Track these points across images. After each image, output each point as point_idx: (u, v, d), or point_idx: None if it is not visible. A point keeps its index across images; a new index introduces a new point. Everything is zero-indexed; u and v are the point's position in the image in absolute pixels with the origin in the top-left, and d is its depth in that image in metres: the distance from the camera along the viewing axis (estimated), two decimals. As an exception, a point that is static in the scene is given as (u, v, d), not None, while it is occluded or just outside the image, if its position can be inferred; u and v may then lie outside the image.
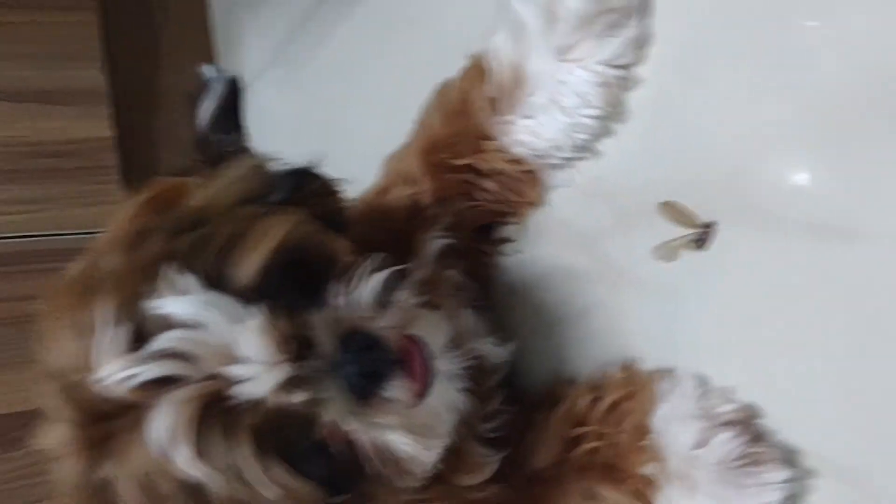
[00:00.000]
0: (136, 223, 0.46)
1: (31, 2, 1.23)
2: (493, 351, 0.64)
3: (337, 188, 0.56)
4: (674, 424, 0.53)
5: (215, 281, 0.43)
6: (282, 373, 0.41)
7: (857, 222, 0.47)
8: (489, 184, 0.65)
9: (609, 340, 0.62)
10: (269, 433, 0.41)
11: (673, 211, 0.57)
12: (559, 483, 0.57)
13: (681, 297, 0.58)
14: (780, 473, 0.50)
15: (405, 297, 0.48)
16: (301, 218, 0.48)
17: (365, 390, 0.43)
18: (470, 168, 0.64)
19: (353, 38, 1.00)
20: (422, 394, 0.46)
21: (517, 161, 0.63)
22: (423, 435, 0.46)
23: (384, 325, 0.46)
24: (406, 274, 0.49)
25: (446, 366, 0.49)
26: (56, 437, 0.44)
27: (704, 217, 0.55)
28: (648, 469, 0.53)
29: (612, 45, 0.57)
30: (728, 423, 0.51)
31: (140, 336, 0.41)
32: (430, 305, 0.52)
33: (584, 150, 0.62)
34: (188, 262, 0.43)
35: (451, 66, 0.65)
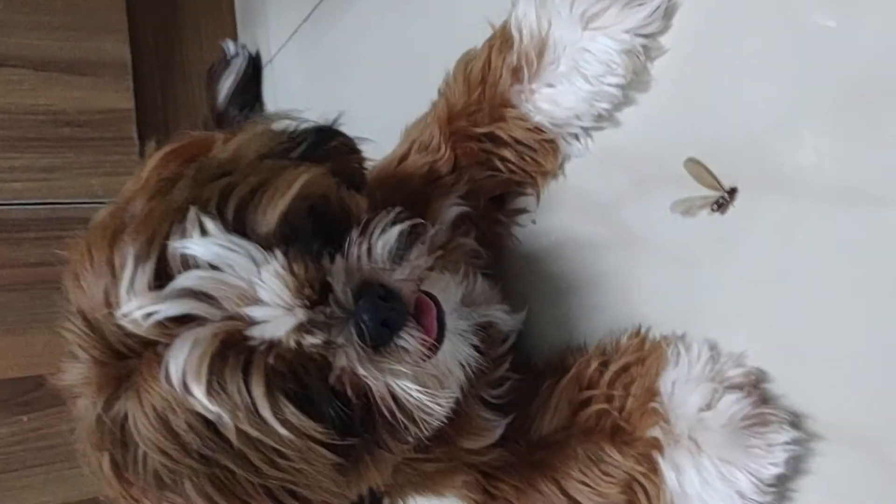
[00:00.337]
0: (163, 172, 0.48)
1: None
2: (504, 318, 0.65)
3: (358, 147, 0.57)
4: (682, 387, 0.53)
5: (238, 226, 0.44)
6: (299, 316, 0.42)
7: (885, 190, 0.47)
8: (507, 153, 0.65)
9: (620, 309, 0.63)
10: (285, 375, 0.42)
11: (699, 169, 0.56)
12: (563, 447, 0.57)
13: (696, 263, 0.58)
14: (786, 434, 0.50)
15: (421, 254, 0.49)
16: (323, 172, 0.49)
17: (379, 338, 0.44)
18: (489, 136, 0.65)
19: (373, 9, 1.00)
20: (433, 346, 0.47)
21: (537, 130, 0.63)
22: (432, 386, 0.47)
23: (399, 278, 0.47)
24: (422, 232, 0.50)
25: (458, 323, 0.50)
26: (77, 374, 0.45)
27: (727, 183, 0.55)
28: (655, 432, 0.53)
29: (639, 13, 0.57)
30: (735, 386, 0.52)
31: (163, 275, 0.42)
32: (444, 269, 0.53)
33: (604, 119, 0.62)
34: (213, 207, 0.44)
35: (474, 36, 0.65)
